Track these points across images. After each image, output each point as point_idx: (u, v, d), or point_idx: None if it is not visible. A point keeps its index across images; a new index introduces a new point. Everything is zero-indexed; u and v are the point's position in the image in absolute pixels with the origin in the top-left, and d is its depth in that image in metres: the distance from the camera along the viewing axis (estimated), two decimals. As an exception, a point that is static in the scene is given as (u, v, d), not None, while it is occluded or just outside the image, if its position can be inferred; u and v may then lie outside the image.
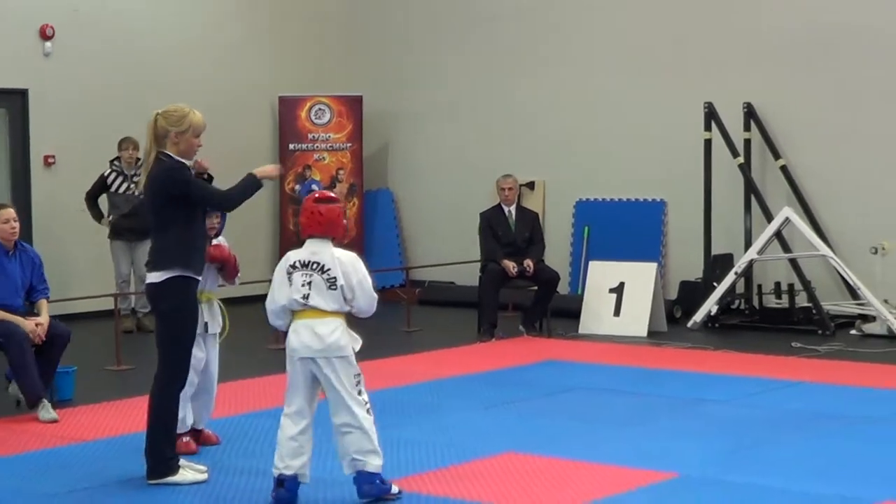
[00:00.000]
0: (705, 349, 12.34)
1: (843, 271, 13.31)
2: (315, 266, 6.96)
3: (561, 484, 7.36)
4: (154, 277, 7.31)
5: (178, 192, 7.24)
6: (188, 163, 7.42)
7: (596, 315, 13.64)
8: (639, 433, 8.70)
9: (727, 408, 9.50)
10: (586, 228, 15.81)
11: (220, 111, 16.33)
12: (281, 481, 6.89)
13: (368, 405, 6.91)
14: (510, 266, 13.25)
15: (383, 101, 17.38)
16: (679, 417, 9.20)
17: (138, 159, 13.68)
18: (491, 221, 13.68)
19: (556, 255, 15.24)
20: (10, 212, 9.71)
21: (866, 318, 13.33)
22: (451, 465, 7.77)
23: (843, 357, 11.82)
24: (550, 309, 13.49)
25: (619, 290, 13.59)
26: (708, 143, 14.41)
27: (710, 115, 14.37)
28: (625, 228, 15.40)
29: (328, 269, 6.94)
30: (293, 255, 7.07)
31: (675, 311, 14.23)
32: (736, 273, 13.70)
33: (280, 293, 7.01)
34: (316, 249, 7.02)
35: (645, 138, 15.35)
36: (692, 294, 14.27)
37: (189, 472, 7.39)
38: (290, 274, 7.00)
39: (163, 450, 7.32)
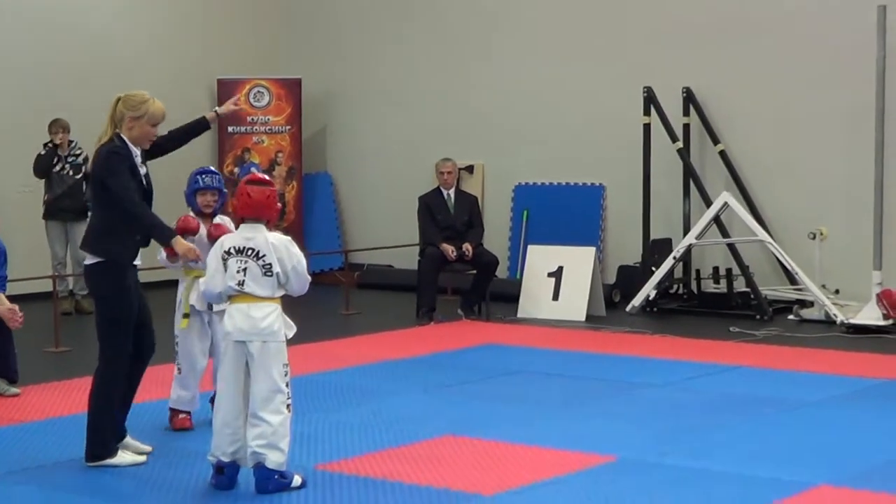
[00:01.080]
0: (644, 333, 12.36)
1: (782, 256, 13.37)
2: (250, 252, 6.89)
3: (499, 467, 7.34)
4: (87, 259, 7.32)
5: (102, 175, 7.21)
6: (135, 150, 7.34)
7: (535, 299, 13.64)
8: (577, 416, 8.70)
9: (665, 392, 9.52)
10: (525, 212, 15.80)
11: (159, 93, 16.04)
12: (220, 468, 6.84)
13: (289, 400, 6.83)
14: (449, 250, 13.22)
15: (322, 83, 17.30)
16: (617, 401, 9.21)
17: (70, 141, 13.60)
18: (430, 205, 13.65)
19: (495, 239, 15.23)
20: None
21: (804, 304, 13.41)
22: (388, 448, 7.74)
23: (781, 342, 11.88)
24: (489, 293, 13.48)
25: (557, 275, 13.60)
26: (647, 127, 14.43)
27: (650, 100, 14.39)
28: (564, 212, 15.41)
29: (263, 256, 6.88)
30: (228, 241, 6.99)
31: (614, 295, 14.26)
32: (674, 258, 13.75)
33: (215, 280, 6.94)
34: (250, 235, 6.94)
35: (584, 122, 15.35)
36: (631, 278, 14.30)
37: (128, 454, 7.32)
38: (224, 260, 6.92)
39: (102, 432, 7.25)
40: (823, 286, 13.24)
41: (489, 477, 7.13)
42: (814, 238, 13.34)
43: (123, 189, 7.20)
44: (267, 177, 7.29)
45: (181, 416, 8.33)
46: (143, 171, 7.41)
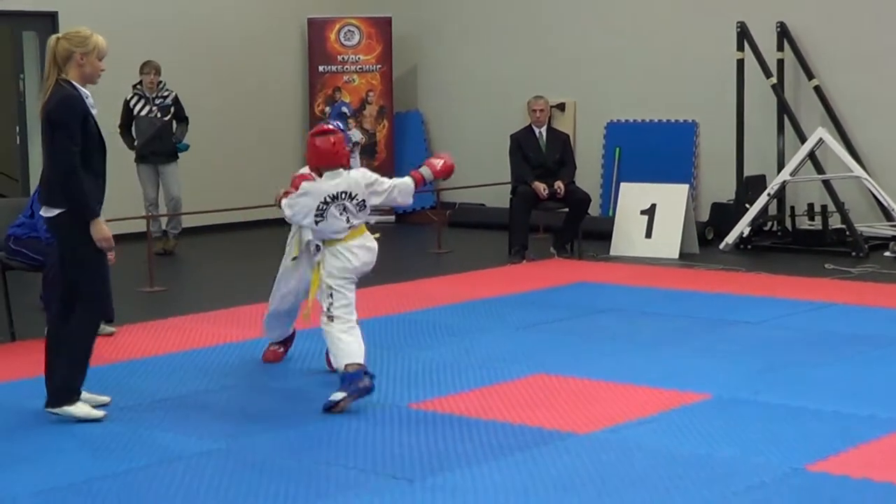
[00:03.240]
0: (737, 271, 12.29)
1: (878, 192, 13.20)
2: (343, 196, 7.40)
3: (592, 405, 7.36)
4: (47, 213, 7.10)
5: (56, 121, 6.94)
6: (85, 93, 7.08)
7: (627, 237, 13.60)
8: (671, 355, 8.68)
9: (759, 329, 9.46)
10: (617, 150, 15.72)
11: (250, 35, 16.31)
12: (365, 372, 7.29)
13: None
14: (541, 188, 13.19)
15: (412, 22, 17.27)
16: (711, 339, 9.17)
17: (160, 82, 13.72)
18: (521, 143, 13.61)
19: (587, 176, 15.17)
20: None
21: (900, 240, 13.26)
22: (481, 387, 7.78)
23: (877, 279, 11.76)
24: (581, 231, 13.45)
25: (650, 212, 13.53)
26: (740, 63, 14.27)
27: (743, 35, 14.22)
28: (656, 150, 15.31)
29: (355, 196, 7.40)
30: (321, 190, 7.38)
31: (707, 233, 14.17)
32: (769, 195, 13.62)
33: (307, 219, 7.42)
34: (336, 181, 7.43)
35: (677, 59, 15.21)
36: (724, 216, 14.20)
37: (85, 406, 7.16)
38: (323, 210, 7.36)
39: (68, 378, 7.13)
40: (920, 223, 13.09)
41: (583, 415, 7.14)
42: (910, 174, 13.17)
43: (65, 146, 6.94)
44: (329, 125, 7.63)
45: (272, 347, 8.62)
46: (94, 114, 7.13)
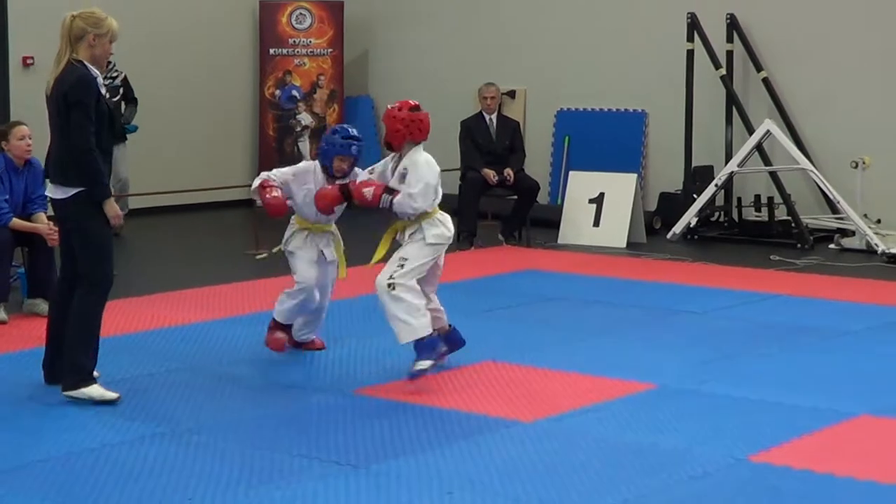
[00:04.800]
0: (684, 261, 12.35)
1: (823, 185, 13.29)
2: None
3: (539, 393, 7.39)
4: (58, 193, 7.06)
5: (74, 100, 6.92)
6: (95, 72, 7.03)
7: (575, 225, 13.63)
8: (617, 344, 8.72)
9: (705, 319, 9.52)
10: (567, 138, 15.75)
11: (201, 16, 16.22)
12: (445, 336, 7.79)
13: None
14: (490, 175, 13.21)
15: (364, 6, 17.22)
16: (657, 328, 9.22)
17: (109, 62, 13.58)
18: (471, 130, 13.63)
19: (537, 164, 15.20)
20: (25, 129, 9.55)
21: (845, 233, 13.34)
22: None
23: (822, 271, 11.85)
24: (530, 218, 13.47)
25: (598, 201, 13.57)
26: (690, 53, 14.32)
27: (693, 26, 14.27)
28: (605, 139, 15.34)
29: None
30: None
31: (655, 222, 14.23)
32: (716, 185, 13.69)
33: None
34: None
35: (627, 48, 15.25)
36: (672, 206, 14.26)
37: (100, 388, 7.10)
38: None
39: (84, 359, 7.09)
40: (865, 215, 13.17)
41: (529, 403, 7.16)
42: (856, 167, 13.25)
43: (81, 126, 6.93)
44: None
45: (277, 334, 8.33)
46: (103, 93, 7.12)
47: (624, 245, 13.23)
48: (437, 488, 5.76)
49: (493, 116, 13.73)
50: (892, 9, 13.51)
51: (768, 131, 13.40)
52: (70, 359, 7.10)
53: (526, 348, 8.50)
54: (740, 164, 13.65)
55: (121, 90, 13.65)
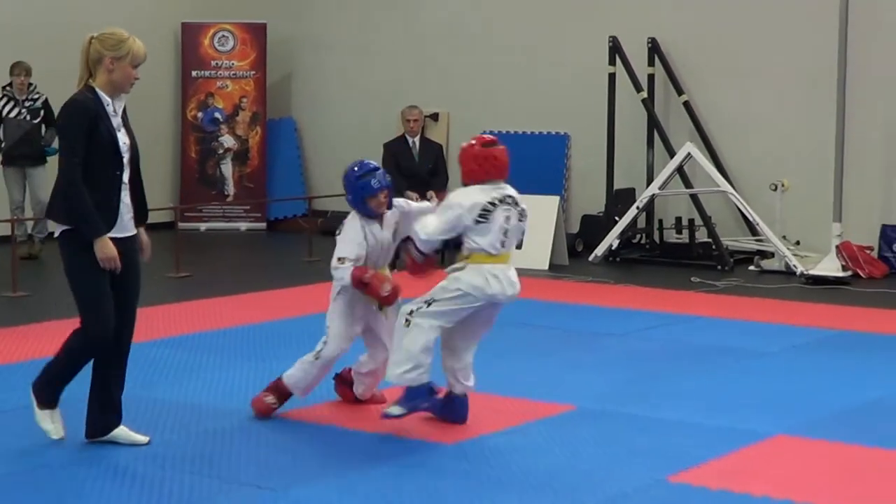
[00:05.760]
0: (606, 283, 12.42)
1: (743, 207, 13.44)
2: (510, 200, 7.12)
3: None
4: (54, 227, 6.56)
5: (60, 130, 6.60)
6: (106, 100, 6.50)
7: (498, 247, 13.63)
8: (538, 365, 8.75)
9: (626, 341, 9.58)
10: (490, 161, 15.76)
11: (121, 36, 16.08)
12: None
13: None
14: (413, 197, 13.21)
15: (287, 28, 17.20)
16: (578, 350, 9.26)
17: (31, 84, 13.51)
18: (394, 152, 13.65)
19: (460, 187, 15.18)
20: None
21: (764, 254, 13.49)
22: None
23: (741, 292, 11.96)
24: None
25: (521, 223, 13.59)
26: (612, 77, 14.43)
27: (615, 50, 14.38)
28: (528, 161, 15.32)
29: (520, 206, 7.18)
30: (481, 196, 7.06)
31: (577, 244, 14.31)
32: (637, 208, 13.79)
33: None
34: (507, 191, 7.14)
35: (549, 72, 15.34)
36: (594, 228, 14.34)
37: (48, 421, 6.68)
38: (487, 212, 7.08)
39: (47, 383, 6.69)
40: (784, 237, 13.33)
41: (450, 426, 7.15)
42: (775, 189, 13.41)
43: (65, 157, 6.40)
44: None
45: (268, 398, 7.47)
46: (115, 123, 6.50)
47: (546, 267, 13.28)
48: (358, 511, 5.76)
49: (417, 139, 13.77)
50: (809, 34, 13.68)
51: (689, 154, 13.53)
52: (41, 379, 6.68)
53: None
54: (661, 187, 13.77)
55: (41, 112, 13.54)
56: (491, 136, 7.25)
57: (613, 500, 5.92)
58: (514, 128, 15.70)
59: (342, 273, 7.27)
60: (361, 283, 7.22)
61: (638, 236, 14.45)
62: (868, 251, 13.14)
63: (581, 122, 15.16)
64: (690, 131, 14.32)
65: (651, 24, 14.52)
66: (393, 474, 6.28)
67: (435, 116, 16.07)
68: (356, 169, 7.50)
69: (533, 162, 15.29)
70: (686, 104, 14.38)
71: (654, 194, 13.79)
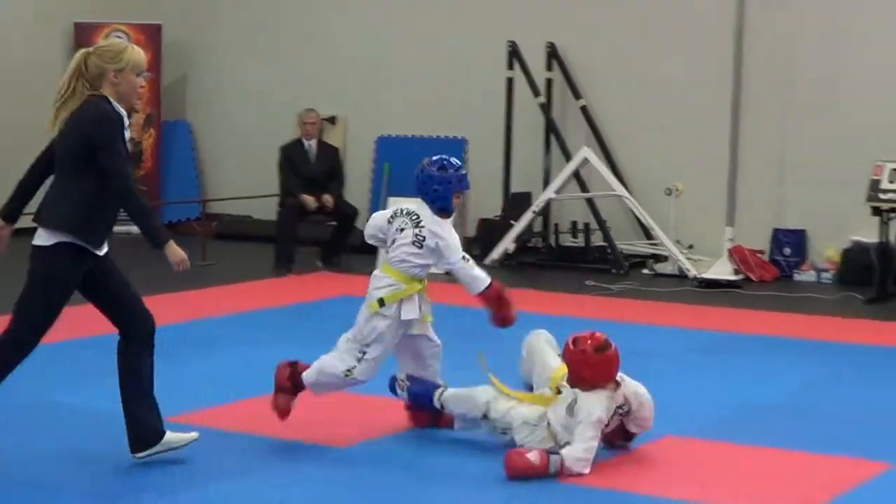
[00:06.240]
0: (501, 286, 12.42)
1: (638, 212, 13.55)
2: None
3: (355, 418, 7.40)
4: (41, 238, 6.23)
5: (101, 143, 6.22)
6: (122, 112, 6.36)
7: (394, 251, 13.62)
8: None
9: (520, 345, 9.56)
10: (386, 165, 15.78)
11: (12, 38, 15.87)
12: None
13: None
14: (309, 201, 13.19)
15: (183, 29, 17.04)
16: (470, 354, 9.22)
17: None
18: (291, 155, 13.60)
19: (357, 190, 15.21)
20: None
21: (658, 258, 13.62)
22: (240, 400, 7.73)
23: (635, 296, 12.05)
24: (349, 245, 13.46)
25: (417, 227, 13.58)
26: (510, 81, 14.49)
27: (513, 54, 14.44)
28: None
29: None
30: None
31: (473, 248, 14.32)
32: (534, 212, 13.85)
33: None
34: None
35: (447, 76, 15.35)
36: (491, 231, 14.37)
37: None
38: None
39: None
40: (678, 241, 13.46)
41: (345, 429, 7.15)
42: (669, 194, 13.53)
43: (124, 170, 6.24)
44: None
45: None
46: (127, 136, 6.42)
47: (442, 270, 13.23)
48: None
49: (313, 142, 13.73)
50: (705, 39, 13.82)
51: (585, 159, 13.62)
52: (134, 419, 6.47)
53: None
54: (558, 191, 13.84)
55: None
56: (602, 336, 6.76)
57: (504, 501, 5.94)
58: (412, 132, 15.69)
59: (480, 272, 7.12)
60: (500, 299, 7.16)
61: (534, 240, 14.51)
62: (759, 255, 13.33)
63: (479, 127, 15.18)
64: (587, 136, 14.40)
65: (549, 28, 14.58)
66: (286, 477, 6.28)
67: (332, 120, 16.01)
68: (453, 161, 7.18)
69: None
70: (583, 109, 14.46)
71: (550, 198, 13.86)
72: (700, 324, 10.59)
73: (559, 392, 6.72)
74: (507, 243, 13.74)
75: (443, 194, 7.05)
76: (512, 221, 13.95)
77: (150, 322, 6.58)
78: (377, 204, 15.56)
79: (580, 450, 6.29)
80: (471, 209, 15.23)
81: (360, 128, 16.02)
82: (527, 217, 13.82)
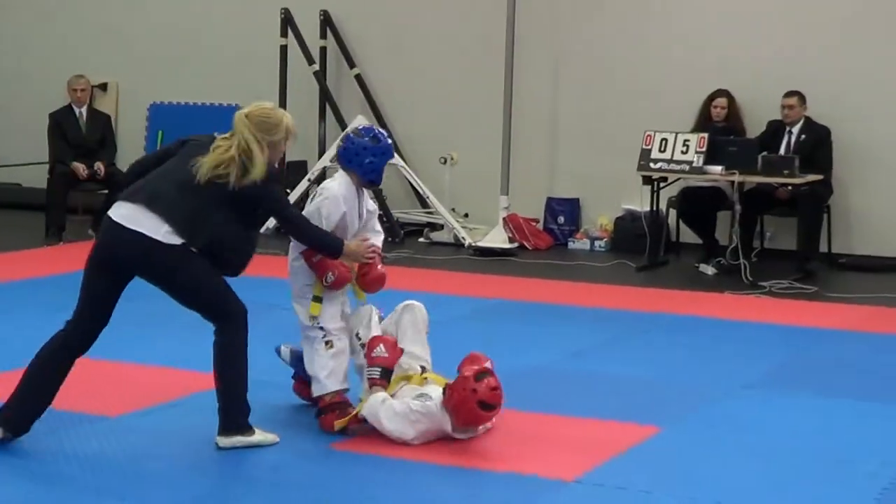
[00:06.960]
0: (278, 255, 12.34)
1: (414, 180, 13.64)
2: None
3: (127, 388, 7.38)
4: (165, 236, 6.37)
5: (272, 210, 6.74)
6: None
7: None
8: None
9: (290, 314, 9.53)
10: (160, 132, 15.56)
11: None
12: None
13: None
14: (80, 169, 12.94)
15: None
16: (260, 325, 9.17)
17: None
18: (60, 123, 13.35)
19: (129, 158, 14.74)
20: None
21: (434, 227, 13.74)
22: (8, 371, 7.54)
23: (412, 264, 12.13)
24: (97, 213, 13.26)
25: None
26: (284, 49, 14.42)
27: (287, 22, 14.36)
28: (199, 132, 15.16)
29: None
30: None
31: (250, 216, 14.23)
32: (309, 180, 13.83)
33: None
34: None
35: (221, 43, 15.18)
36: (266, 200, 14.27)
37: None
38: None
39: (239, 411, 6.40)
40: (453, 210, 13.60)
41: (114, 399, 7.07)
42: (445, 163, 13.67)
43: (306, 219, 6.81)
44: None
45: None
46: None
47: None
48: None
49: (84, 109, 13.50)
50: (478, 8, 13.95)
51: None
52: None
53: (116, 344, 8.28)
54: (333, 160, 13.82)
55: None
56: (485, 363, 6.78)
57: (277, 470, 5.95)
58: (185, 99, 15.50)
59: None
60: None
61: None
62: (534, 223, 13.55)
63: (252, 94, 14.74)
64: (362, 104, 14.43)
65: (324, -4, 14.55)
66: (56, 449, 6.22)
67: (104, 86, 15.69)
68: (383, 132, 7.16)
69: (204, 132, 15.10)
70: (358, 77, 14.48)
71: (325, 166, 13.85)
72: (475, 292, 10.73)
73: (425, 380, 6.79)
74: (283, 212, 13.66)
75: (377, 166, 7.01)
76: (287, 190, 13.89)
77: None
78: (150, 172, 15.34)
79: (392, 406, 6.39)
80: (246, 178, 15.11)
81: (132, 94, 15.75)
82: (302, 185, 13.80)
